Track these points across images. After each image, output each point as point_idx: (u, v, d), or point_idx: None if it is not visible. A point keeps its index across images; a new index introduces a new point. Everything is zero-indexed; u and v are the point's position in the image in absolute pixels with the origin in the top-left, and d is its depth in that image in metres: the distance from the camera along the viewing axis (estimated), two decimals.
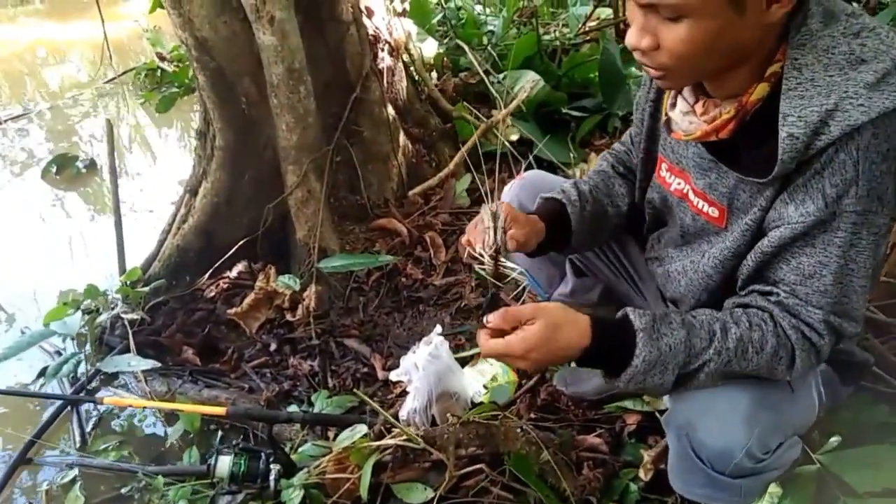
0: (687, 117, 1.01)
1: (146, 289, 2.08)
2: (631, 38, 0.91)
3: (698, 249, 1.10)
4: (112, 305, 2.09)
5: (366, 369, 1.87)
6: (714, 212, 1.05)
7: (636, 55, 0.94)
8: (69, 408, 1.88)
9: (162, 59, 3.97)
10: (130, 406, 1.80)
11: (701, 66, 0.91)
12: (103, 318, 1.99)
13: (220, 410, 1.54)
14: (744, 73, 0.93)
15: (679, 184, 1.11)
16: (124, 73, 4.22)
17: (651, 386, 0.96)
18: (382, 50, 2.46)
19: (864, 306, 0.96)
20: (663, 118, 1.08)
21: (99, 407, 1.88)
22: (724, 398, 0.98)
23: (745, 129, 0.95)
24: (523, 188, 1.39)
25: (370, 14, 2.40)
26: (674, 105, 1.04)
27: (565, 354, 0.97)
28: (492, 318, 0.96)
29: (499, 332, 0.97)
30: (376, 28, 2.42)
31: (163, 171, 3.34)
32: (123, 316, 2.01)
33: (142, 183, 3.24)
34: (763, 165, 0.91)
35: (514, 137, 2.73)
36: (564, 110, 2.86)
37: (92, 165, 3.27)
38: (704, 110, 0.98)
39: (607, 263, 1.42)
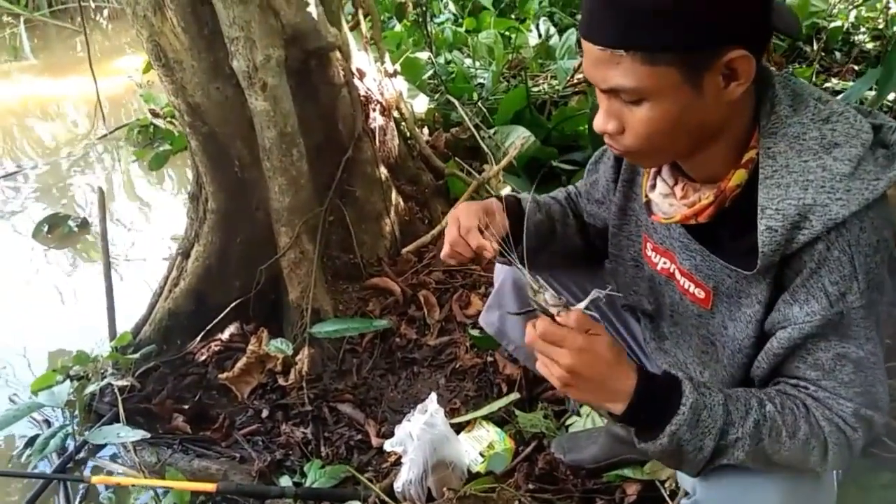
0: (667, 199, 1.01)
1: (136, 355, 2.05)
2: (598, 123, 0.93)
3: (707, 342, 1.08)
4: (102, 372, 2.06)
5: (360, 436, 1.84)
6: (700, 293, 1.04)
7: (606, 139, 0.95)
8: (56, 482, 1.83)
9: (155, 115, 4.00)
10: (118, 484, 1.75)
11: (667, 146, 0.92)
12: (93, 387, 1.96)
13: (211, 487, 1.51)
14: (719, 156, 0.94)
15: (665, 263, 1.11)
16: (117, 129, 4.24)
17: (689, 452, 0.90)
18: (374, 110, 2.48)
19: (888, 396, 0.94)
20: (643, 199, 1.09)
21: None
22: (755, 490, 0.95)
23: (727, 214, 0.95)
24: None
25: (361, 76, 2.43)
26: (653, 187, 1.04)
27: (609, 388, 0.88)
28: (564, 317, 0.88)
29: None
30: (368, 89, 2.46)
31: (155, 227, 3.33)
32: (113, 383, 1.98)
33: (135, 238, 3.23)
34: (746, 256, 0.92)
35: (506, 192, 2.75)
36: (555, 163, 2.88)
37: (84, 225, 3.26)
38: (684, 194, 0.99)
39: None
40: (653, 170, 1.05)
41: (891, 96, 2.77)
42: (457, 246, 1.10)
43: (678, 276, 1.08)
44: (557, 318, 0.88)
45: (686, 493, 1.07)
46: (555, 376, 0.89)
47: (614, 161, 1.19)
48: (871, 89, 2.08)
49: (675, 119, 0.86)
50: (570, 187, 1.39)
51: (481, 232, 1.08)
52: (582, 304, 0.90)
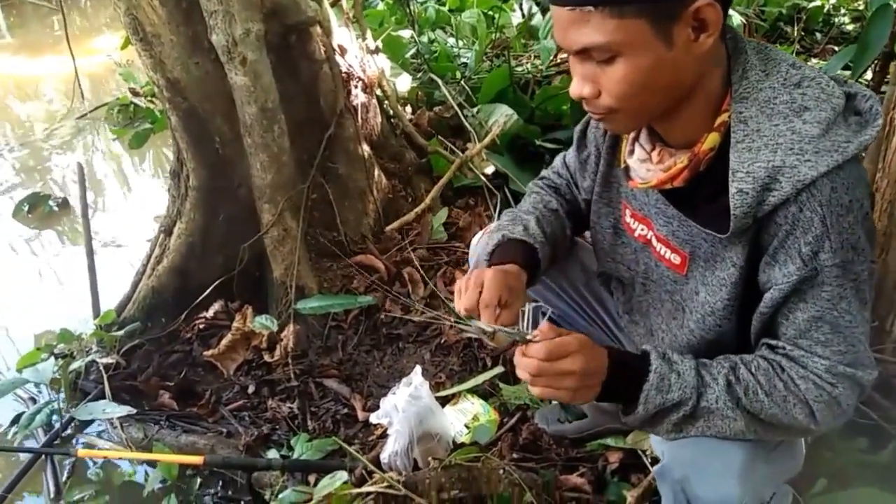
0: (644, 165, 1.03)
1: (121, 332, 2.05)
2: (574, 89, 0.94)
3: (678, 308, 1.11)
4: (86, 349, 2.05)
5: (346, 410, 1.86)
6: (676, 258, 1.06)
7: (584, 105, 0.96)
8: (43, 457, 1.84)
9: (135, 94, 3.95)
10: (105, 457, 1.76)
11: (644, 104, 0.92)
12: (77, 363, 1.95)
13: (198, 460, 1.52)
14: (694, 120, 0.95)
15: (643, 230, 1.13)
16: (96, 108, 4.18)
17: (667, 416, 0.97)
18: (356, 87, 2.48)
19: (870, 352, 0.96)
20: (622, 165, 1.10)
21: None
22: (719, 452, 0.98)
23: (701, 179, 0.97)
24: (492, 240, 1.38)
25: (343, 52, 2.42)
26: (631, 152, 1.06)
27: (595, 384, 0.95)
28: (542, 333, 0.93)
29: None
30: (349, 66, 2.44)
31: (137, 207, 3.30)
32: (98, 360, 1.98)
33: (116, 218, 3.21)
34: (720, 220, 0.94)
35: (489, 171, 2.76)
36: (538, 142, 2.89)
37: (64, 204, 3.23)
38: (660, 159, 1.01)
39: (585, 317, 1.43)
40: (631, 136, 1.07)
41: (868, 75, 2.81)
42: (471, 310, 1.06)
43: (655, 242, 1.10)
44: (534, 338, 0.92)
45: (657, 460, 1.10)
46: (568, 388, 0.93)
47: (603, 129, 1.20)
48: (846, 67, 2.11)
49: (648, 74, 0.87)
50: (551, 175, 1.38)
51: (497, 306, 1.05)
52: (542, 325, 0.94)
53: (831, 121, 0.87)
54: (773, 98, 0.90)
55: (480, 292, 1.05)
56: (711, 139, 0.94)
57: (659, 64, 0.87)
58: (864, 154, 1.60)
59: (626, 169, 1.09)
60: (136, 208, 3.29)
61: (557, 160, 1.38)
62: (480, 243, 1.37)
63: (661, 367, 0.96)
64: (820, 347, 0.93)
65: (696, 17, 0.84)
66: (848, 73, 2.24)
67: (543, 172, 1.39)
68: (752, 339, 1.03)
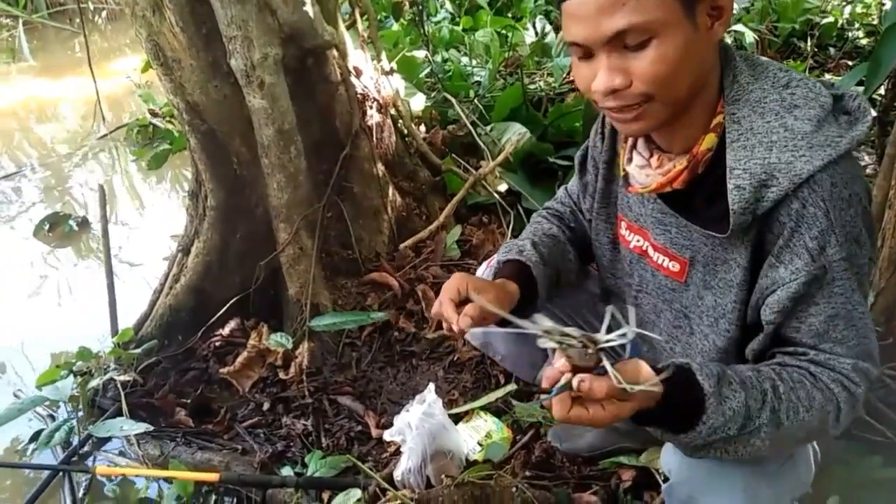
0: (643, 170, 1.04)
1: (138, 350, 2.08)
2: (602, 82, 0.90)
3: (680, 316, 1.11)
4: (105, 367, 2.08)
5: (360, 427, 1.87)
6: (675, 266, 1.07)
7: (608, 103, 0.93)
8: (61, 474, 1.86)
9: (154, 115, 4.03)
10: (123, 475, 1.78)
11: (677, 91, 0.91)
12: (96, 381, 1.98)
13: (213, 477, 1.53)
14: (692, 125, 0.97)
15: (638, 241, 1.14)
16: (116, 129, 4.27)
17: (718, 449, 0.92)
18: (371, 107, 2.51)
19: (876, 343, 0.96)
20: (621, 173, 1.12)
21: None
22: (723, 473, 0.98)
23: (700, 181, 0.98)
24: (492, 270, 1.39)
25: (358, 73, 2.46)
26: (630, 160, 1.07)
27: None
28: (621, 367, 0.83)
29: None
30: (364, 87, 2.48)
31: (155, 226, 3.36)
32: (116, 378, 2.01)
33: (135, 237, 3.26)
34: (721, 221, 0.95)
35: (503, 188, 2.78)
36: (551, 160, 2.91)
37: (84, 224, 3.29)
38: (659, 164, 1.02)
39: None
40: (628, 145, 1.08)
41: (881, 90, 2.80)
42: (437, 316, 1.12)
43: (651, 252, 1.11)
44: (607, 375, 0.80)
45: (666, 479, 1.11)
46: (606, 422, 0.85)
47: (600, 144, 1.21)
48: (860, 83, 2.11)
49: (682, 54, 0.88)
50: (554, 204, 1.39)
51: (459, 304, 1.08)
52: (612, 336, 0.81)
53: (822, 118, 0.89)
54: (763, 98, 0.92)
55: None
56: (708, 140, 0.96)
57: (689, 46, 0.88)
58: (858, 153, 1.59)
59: (626, 177, 1.10)
60: (154, 227, 3.35)
61: (560, 191, 1.40)
62: (483, 275, 1.40)
63: (717, 421, 0.89)
64: (840, 347, 0.93)
65: (714, 2, 0.88)
66: (861, 88, 2.25)
67: (547, 203, 1.41)
68: (751, 354, 1.02)
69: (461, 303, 1.10)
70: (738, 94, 0.94)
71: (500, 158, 2.71)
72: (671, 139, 1.01)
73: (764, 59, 0.98)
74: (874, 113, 0.94)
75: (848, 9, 4.26)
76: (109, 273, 2.28)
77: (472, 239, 2.57)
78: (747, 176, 0.90)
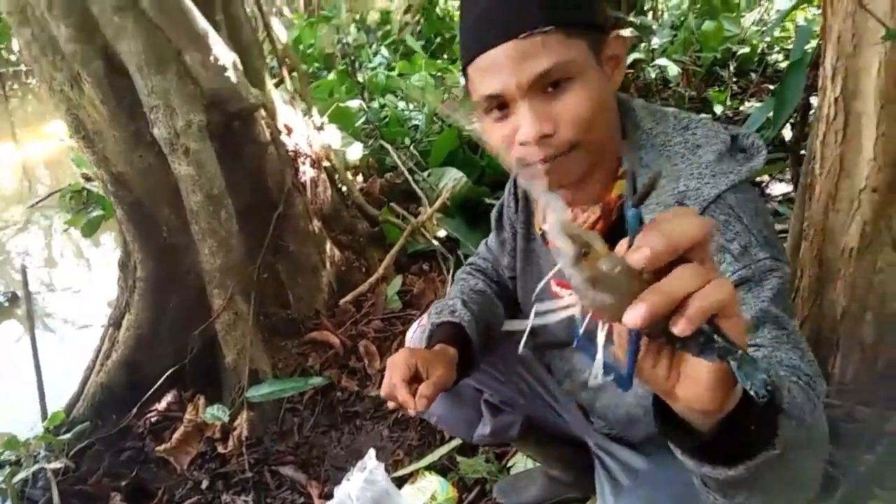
0: None
1: (68, 435, 1.99)
2: (529, 130, 0.87)
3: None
4: (34, 455, 1.99)
5: (302, 500, 1.81)
6: None
7: (536, 155, 0.90)
8: None
9: (87, 179, 3.94)
10: None
11: (599, 131, 0.91)
12: (24, 473, 1.89)
13: None
14: (601, 175, 0.98)
15: (570, 293, 1.14)
16: (48, 195, 4.16)
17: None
18: (304, 163, 2.50)
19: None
20: (538, 232, 1.13)
21: None
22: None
23: (616, 229, 0.98)
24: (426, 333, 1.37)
25: (289, 131, 2.45)
26: (545, 218, 1.08)
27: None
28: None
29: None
30: (296, 143, 2.47)
31: (93, 294, 3.26)
32: (46, 467, 1.92)
33: (72, 308, 3.15)
34: None
35: (442, 234, 2.78)
36: (488, 201, 2.93)
37: (14, 299, 3.18)
38: (574, 217, 1.02)
39: (522, 392, 1.42)
40: (540, 204, 1.08)
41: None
42: (389, 398, 1.06)
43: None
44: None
45: None
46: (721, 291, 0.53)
47: (514, 206, 1.22)
48: (767, 121, 2.19)
49: (598, 98, 0.89)
50: (477, 260, 1.39)
51: (411, 383, 1.04)
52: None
53: (722, 153, 0.92)
54: (667, 141, 0.95)
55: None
56: (618, 186, 0.97)
57: (602, 90, 0.90)
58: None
59: (543, 235, 1.11)
60: (92, 294, 3.24)
61: (482, 246, 1.40)
62: (415, 337, 1.37)
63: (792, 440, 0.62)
64: (778, 344, 0.81)
65: (612, 49, 0.91)
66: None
67: (470, 258, 1.41)
68: None
69: (411, 379, 1.07)
70: (643, 139, 0.96)
71: (436, 206, 2.72)
72: (583, 190, 1.02)
73: (658, 106, 1.01)
74: (765, 152, 0.97)
75: (768, 36, 4.45)
76: (36, 356, 2.19)
77: (413, 289, 2.56)
78: (662, 208, 0.91)
